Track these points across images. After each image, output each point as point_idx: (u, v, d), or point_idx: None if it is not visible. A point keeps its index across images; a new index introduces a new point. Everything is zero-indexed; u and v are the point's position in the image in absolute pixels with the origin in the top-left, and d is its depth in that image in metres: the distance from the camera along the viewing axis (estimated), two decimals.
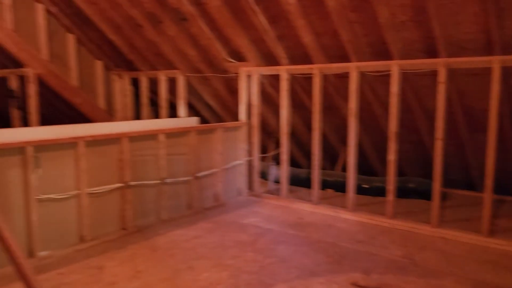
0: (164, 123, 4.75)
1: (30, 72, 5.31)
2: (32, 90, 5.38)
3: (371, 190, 4.84)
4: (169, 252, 3.25)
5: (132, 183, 3.68)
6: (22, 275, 2.38)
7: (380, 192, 4.50)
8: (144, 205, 3.82)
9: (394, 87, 3.80)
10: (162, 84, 5.72)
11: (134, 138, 3.70)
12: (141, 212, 3.78)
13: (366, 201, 4.59)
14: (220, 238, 3.55)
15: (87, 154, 3.34)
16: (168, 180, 3.99)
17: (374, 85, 4.27)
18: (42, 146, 3.07)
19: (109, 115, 6.15)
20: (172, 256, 3.16)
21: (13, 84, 5.60)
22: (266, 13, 4.10)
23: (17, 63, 5.44)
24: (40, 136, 3.24)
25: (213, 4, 4.22)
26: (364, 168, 4.92)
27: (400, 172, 4.69)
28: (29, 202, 3.00)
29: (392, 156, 3.90)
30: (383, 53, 3.89)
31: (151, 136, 3.88)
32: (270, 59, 4.67)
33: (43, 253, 3.08)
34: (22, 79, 5.61)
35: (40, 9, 5.29)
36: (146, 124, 4.76)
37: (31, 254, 3.03)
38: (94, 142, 3.41)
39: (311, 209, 4.43)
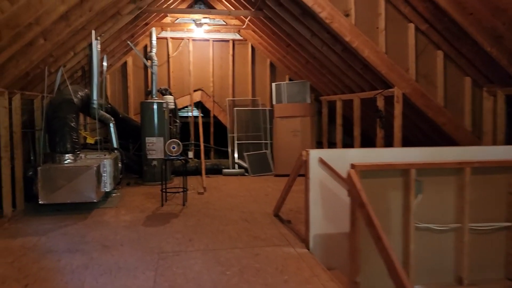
0: None
1: (397, 92, 5.35)
2: (398, 110, 5.41)
3: None
4: None
5: None
6: None
7: None
8: None
9: None
10: None
11: None
12: None
13: None
14: None
15: (471, 183, 2.87)
16: None
17: None
18: (424, 170, 2.82)
19: (474, 137, 5.48)
20: None
21: (380, 104, 5.82)
22: None
23: (384, 84, 5.61)
24: (417, 158, 3.04)
25: None
26: None
27: None
28: (407, 228, 2.80)
29: None
30: None
31: None
32: None
33: (417, 287, 2.82)
34: (386, 99, 5.76)
35: (411, 28, 5.26)
36: None
37: None
38: (480, 169, 2.91)
39: None
